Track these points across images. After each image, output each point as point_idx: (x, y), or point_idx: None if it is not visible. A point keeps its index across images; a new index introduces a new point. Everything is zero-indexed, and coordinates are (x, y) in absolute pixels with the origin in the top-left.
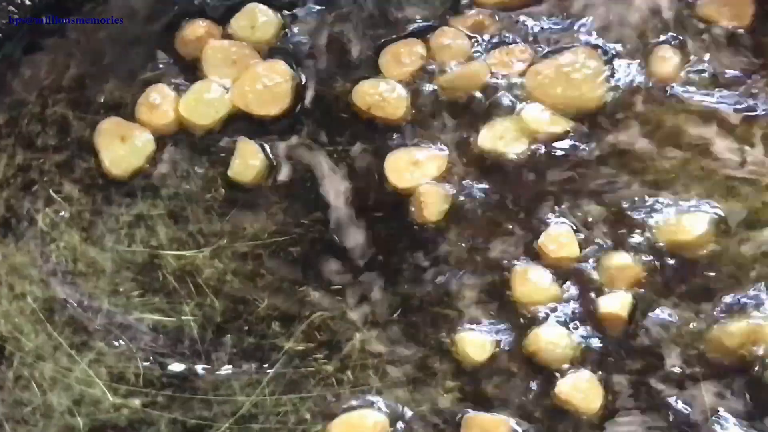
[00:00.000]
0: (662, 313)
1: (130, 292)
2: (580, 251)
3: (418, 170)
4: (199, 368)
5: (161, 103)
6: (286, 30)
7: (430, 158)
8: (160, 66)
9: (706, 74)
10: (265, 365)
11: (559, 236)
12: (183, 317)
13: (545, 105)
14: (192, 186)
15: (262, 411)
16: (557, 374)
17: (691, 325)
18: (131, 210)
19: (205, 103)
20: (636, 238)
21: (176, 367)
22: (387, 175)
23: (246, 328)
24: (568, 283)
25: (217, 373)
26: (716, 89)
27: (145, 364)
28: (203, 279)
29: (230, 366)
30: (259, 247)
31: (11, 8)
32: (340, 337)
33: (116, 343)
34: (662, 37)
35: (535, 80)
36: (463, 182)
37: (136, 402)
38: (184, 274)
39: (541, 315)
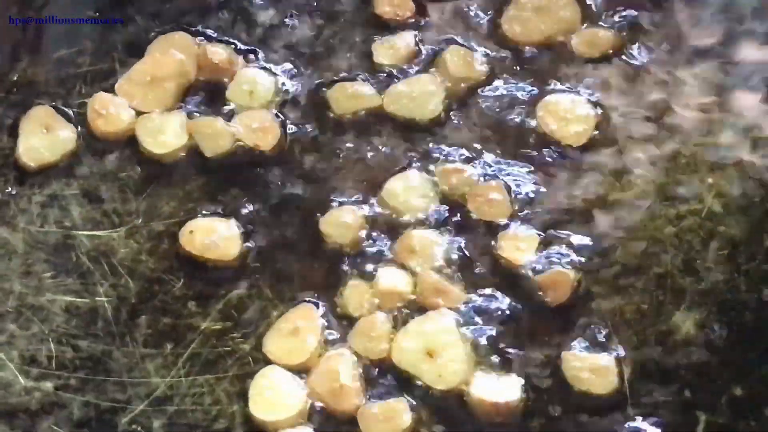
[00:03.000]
0: None
1: (42, 274)
2: None
3: None
4: (113, 350)
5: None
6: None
7: None
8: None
9: None
10: (181, 346)
11: None
12: (97, 298)
13: None
14: (107, 164)
15: (178, 392)
16: None
17: None
18: (44, 190)
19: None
20: None
21: (90, 348)
22: None
23: (161, 308)
24: None
25: (132, 354)
26: None
27: (58, 346)
28: (118, 259)
29: (145, 347)
30: (174, 225)
31: None
32: (256, 315)
33: (28, 326)
34: None
35: None
36: None
37: (49, 385)
38: (99, 255)
39: None
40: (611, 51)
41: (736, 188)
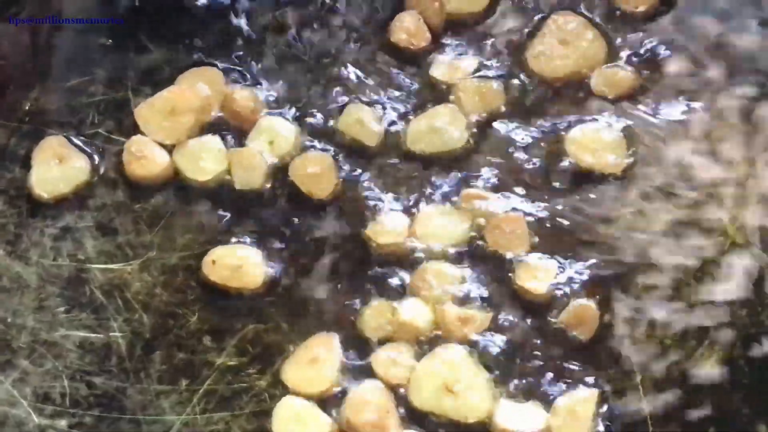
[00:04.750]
0: None
1: (55, 308)
2: None
3: None
4: (128, 387)
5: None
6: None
7: None
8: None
9: None
10: (196, 382)
11: None
12: (111, 333)
13: None
14: (120, 196)
15: (193, 430)
16: None
17: None
18: (57, 222)
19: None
20: None
21: (104, 385)
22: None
23: (176, 343)
24: None
25: (146, 391)
26: None
27: (72, 383)
28: (132, 293)
29: (160, 384)
30: (189, 258)
31: None
32: (273, 350)
33: (41, 362)
34: None
35: None
36: None
37: (63, 423)
38: (112, 289)
39: None
40: (631, 91)
41: (758, 219)
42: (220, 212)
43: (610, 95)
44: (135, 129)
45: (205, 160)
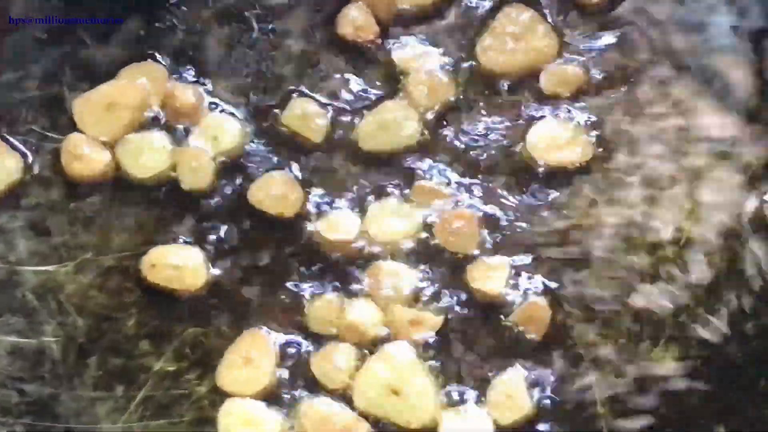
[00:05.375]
0: None
1: None
2: None
3: None
4: (61, 393)
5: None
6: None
7: None
8: None
9: None
10: (133, 388)
11: None
12: (43, 338)
13: None
14: (54, 195)
15: None
16: None
17: None
18: None
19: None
20: None
21: (36, 392)
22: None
23: (112, 348)
24: None
25: (81, 398)
26: None
27: (2, 390)
28: (66, 296)
29: (95, 390)
30: (127, 259)
31: None
32: (213, 354)
33: None
34: None
35: None
36: None
37: None
38: (46, 291)
39: None
40: (582, 88)
41: (715, 217)
42: (160, 211)
43: (562, 94)
44: (72, 127)
45: (149, 157)
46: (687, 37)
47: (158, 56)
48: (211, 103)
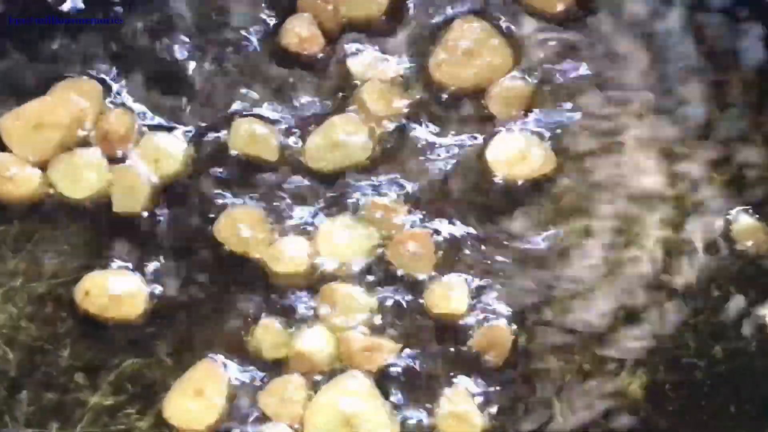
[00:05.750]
0: None
1: None
2: None
3: None
4: None
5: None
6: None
7: None
8: None
9: None
10: (68, 425)
11: None
12: None
13: None
14: None
15: None
16: None
17: None
18: None
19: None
20: None
21: None
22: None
23: (45, 382)
24: None
25: None
26: None
27: None
28: None
29: (28, 427)
30: (59, 286)
31: None
32: (155, 387)
33: None
34: None
35: None
36: None
37: None
38: None
39: None
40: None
41: (679, 232)
42: (94, 234)
43: (511, 110)
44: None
45: (84, 176)
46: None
47: (92, 73)
48: (149, 125)
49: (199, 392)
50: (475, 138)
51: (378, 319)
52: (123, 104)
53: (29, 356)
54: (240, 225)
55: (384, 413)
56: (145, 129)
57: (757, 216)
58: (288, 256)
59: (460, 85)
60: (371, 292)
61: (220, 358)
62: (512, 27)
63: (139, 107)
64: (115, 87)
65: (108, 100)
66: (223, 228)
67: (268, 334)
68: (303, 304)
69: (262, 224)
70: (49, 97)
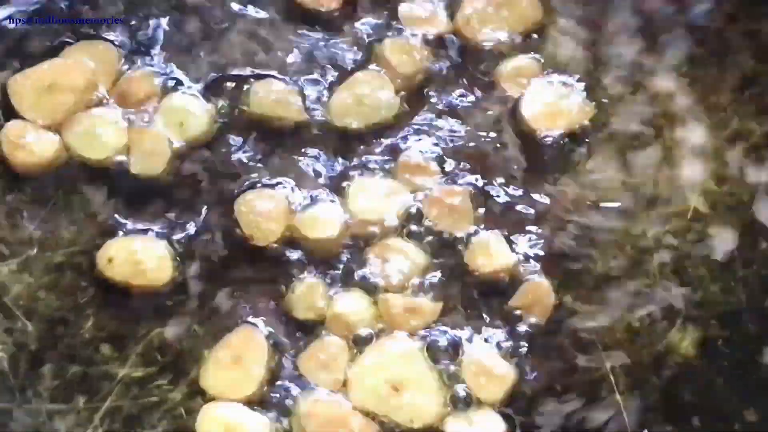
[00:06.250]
0: None
1: None
2: None
3: None
4: (14, 408)
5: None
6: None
7: None
8: None
9: None
10: (96, 398)
11: None
12: None
13: None
14: None
15: None
16: None
17: None
18: None
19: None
20: None
21: None
22: None
23: (69, 354)
24: None
25: (37, 412)
26: None
27: None
28: (11, 298)
29: (53, 403)
30: (77, 254)
31: None
32: (186, 356)
33: None
34: None
35: None
36: None
37: None
38: None
39: None
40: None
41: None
42: (113, 200)
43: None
44: (5, 109)
45: (103, 136)
46: None
47: (108, 36)
48: (171, 85)
49: (238, 360)
50: (506, 93)
51: (417, 280)
52: (144, 65)
53: (50, 328)
54: (258, 218)
55: (431, 377)
56: (167, 91)
57: None
58: (321, 220)
59: (490, 40)
60: (408, 251)
61: (260, 323)
62: None
63: (158, 69)
64: (131, 48)
65: (124, 64)
66: (243, 221)
67: (308, 294)
68: (342, 264)
69: (284, 213)
70: (61, 60)
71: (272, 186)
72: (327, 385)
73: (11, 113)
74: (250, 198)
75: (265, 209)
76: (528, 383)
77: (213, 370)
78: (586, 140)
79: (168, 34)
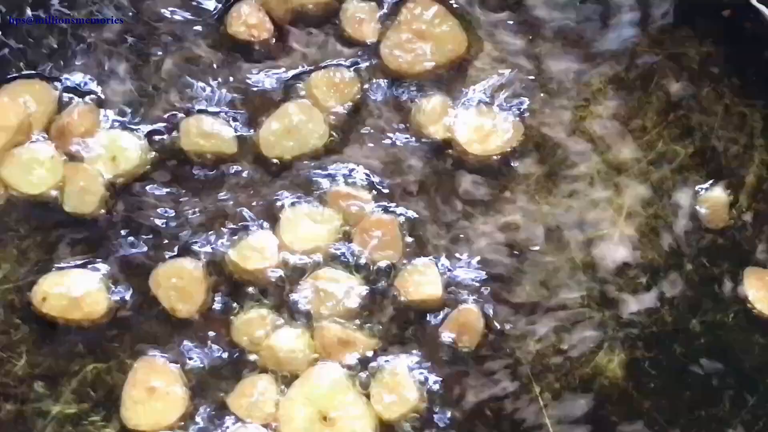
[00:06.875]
0: None
1: None
2: None
3: None
4: None
5: None
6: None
7: None
8: None
9: None
10: None
11: None
12: None
13: None
14: None
15: None
16: None
17: None
18: None
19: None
20: None
21: None
22: None
23: (2, 393)
24: None
25: None
26: None
27: None
28: None
29: None
30: (9, 292)
31: None
32: (119, 391)
33: None
34: None
35: None
36: None
37: None
38: None
39: None
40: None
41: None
42: (44, 235)
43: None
44: None
45: (37, 170)
46: None
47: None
48: (105, 120)
49: (152, 391)
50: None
51: (350, 308)
52: (81, 101)
53: None
54: (174, 280)
55: (362, 407)
56: (102, 126)
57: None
58: (257, 250)
59: (414, 72)
60: (341, 280)
61: (156, 352)
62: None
63: (94, 104)
64: (66, 84)
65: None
66: (158, 287)
67: (250, 324)
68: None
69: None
70: None
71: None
72: (259, 421)
73: None
74: (163, 270)
75: (181, 284)
76: (458, 408)
77: (132, 407)
78: (515, 163)
79: (104, 68)
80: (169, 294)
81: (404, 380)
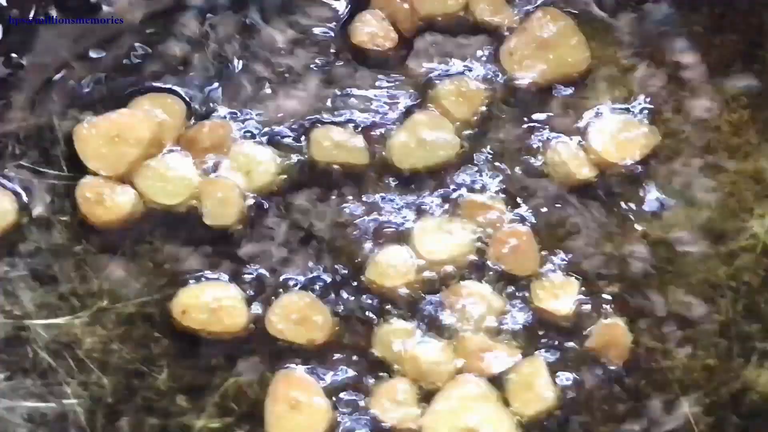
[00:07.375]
0: None
1: None
2: None
3: None
4: None
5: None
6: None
7: None
8: None
9: None
10: None
11: None
12: (65, 401)
13: None
14: (56, 237)
15: None
16: None
17: None
18: None
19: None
20: None
21: None
22: None
23: (145, 406)
24: None
25: None
26: None
27: None
28: (84, 351)
29: None
30: (148, 305)
31: None
32: (262, 405)
33: None
34: None
35: None
36: None
37: None
38: (61, 348)
39: None
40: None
41: None
42: (180, 247)
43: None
44: (68, 160)
45: (175, 181)
46: None
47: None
48: (237, 135)
49: (295, 406)
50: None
51: (488, 321)
52: (211, 116)
53: (125, 380)
54: (294, 316)
55: (504, 416)
56: (232, 139)
57: None
58: (393, 267)
59: (534, 80)
60: (481, 291)
61: (298, 364)
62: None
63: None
64: (199, 98)
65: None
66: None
67: (391, 335)
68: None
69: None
70: (128, 111)
71: None
72: (402, 426)
73: (74, 161)
74: (279, 308)
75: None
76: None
77: (273, 421)
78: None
79: (231, 84)
80: (299, 330)
81: (542, 379)
